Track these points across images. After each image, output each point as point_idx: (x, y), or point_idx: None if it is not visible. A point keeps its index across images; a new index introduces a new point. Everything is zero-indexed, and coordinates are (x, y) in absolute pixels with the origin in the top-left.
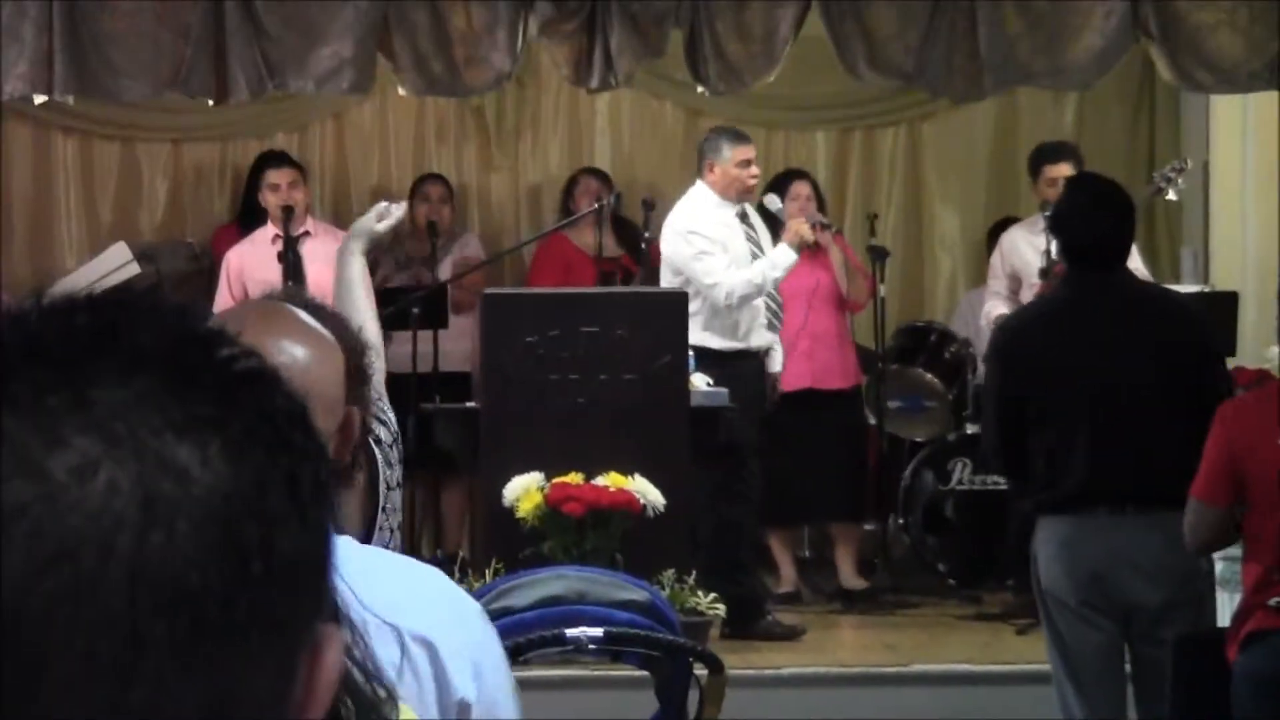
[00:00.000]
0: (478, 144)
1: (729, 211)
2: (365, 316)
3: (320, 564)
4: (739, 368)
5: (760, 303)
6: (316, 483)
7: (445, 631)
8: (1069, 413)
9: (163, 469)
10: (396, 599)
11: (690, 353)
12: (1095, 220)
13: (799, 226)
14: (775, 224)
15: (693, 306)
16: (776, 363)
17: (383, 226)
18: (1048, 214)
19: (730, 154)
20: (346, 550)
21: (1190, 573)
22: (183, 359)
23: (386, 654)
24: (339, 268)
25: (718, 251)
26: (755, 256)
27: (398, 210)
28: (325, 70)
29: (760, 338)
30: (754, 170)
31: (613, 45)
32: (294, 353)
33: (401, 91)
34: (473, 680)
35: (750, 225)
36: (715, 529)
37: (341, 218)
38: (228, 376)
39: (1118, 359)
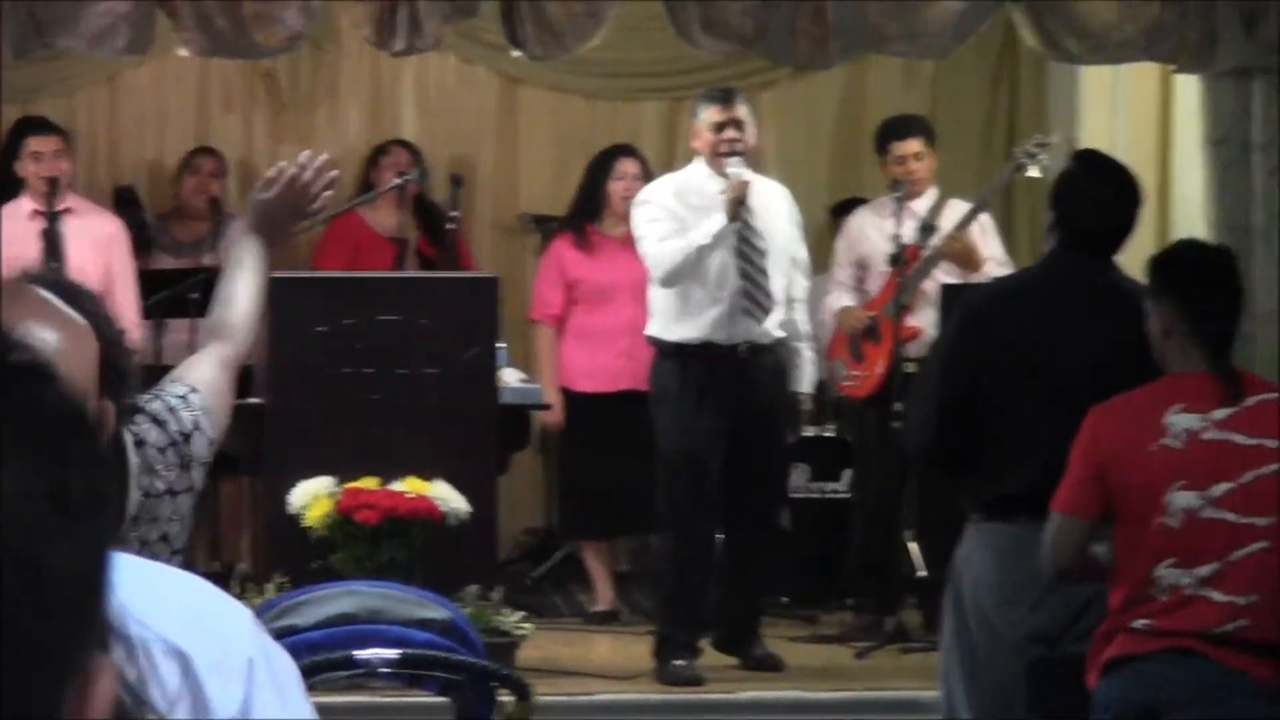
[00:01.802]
0: (269, 113)
1: (717, 185)
2: (237, 302)
3: (93, 586)
4: (700, 364)
5: (733, 285)
6: (92, 495)
7: (203, 644)
8: (1029, 406)
9: None
10: (146, 607)
11: (500, 346)
12: (1113, 206)
13: (734, 185)
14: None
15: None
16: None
17: (270, 193)
18: (897, 195)
19: (703, 116)
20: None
21: None
22: None
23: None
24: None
25: (666, 219)
26: (744, 243)
27: (296, 168)
28: (98, 28)
29: (726, 328)
30: (727, 134)
31: (420, 4)
32: (43, 336)
33: (183, 52)
34: (240, 688)
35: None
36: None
37: (113, 193)
38: None
39: (1093, 355)
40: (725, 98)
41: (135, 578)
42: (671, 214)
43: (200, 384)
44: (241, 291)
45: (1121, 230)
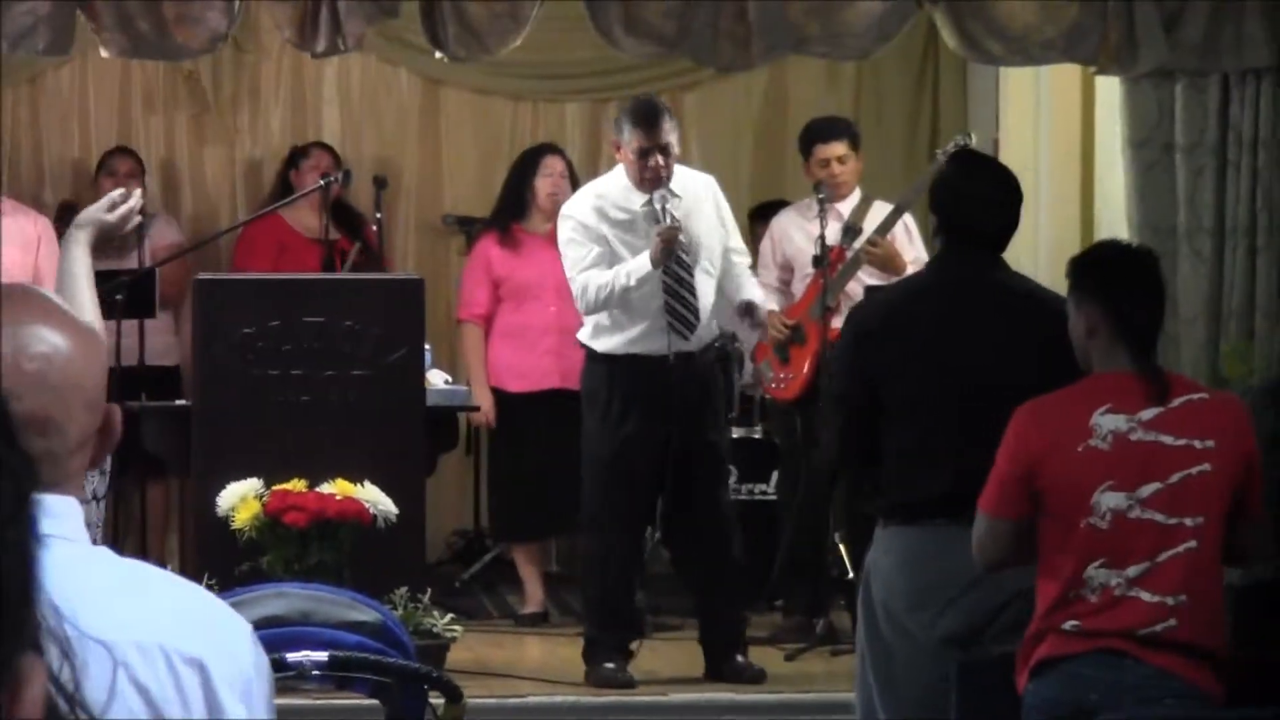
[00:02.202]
0: (190, 114)
1: (638, 199)
2: (86, 311)
3: (20, 590)
4: (629, 370)
5: (659, 302)
6: (16, 500)
7: (217, 656)
8: (935, 409)
9: None
10: (161, 617)
11: (428, 347)
12: (997, 204)
13: (664, 234)
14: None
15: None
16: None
17: (113, 216)
18: (821, 197)
19: (627, 137)
20: (107, 563)
21: None
22: None
23: (104, 674)
24: (61, 258)
25: (586, 241)
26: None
27: (134, 200)
28: (19, 29)
29: (652, 342)
30: (654, 161)
31: (341, 5)
32: (54, 342)
33: (104, 54)
34: (242, 705)
35: (668, 220)
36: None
37: (37, 193)
38: None
39: (991, 355)
40: (650, 120)
41: (153, 588)
42: (593, 234)
43: None
44: (89, 301)
45: (1006, 227)
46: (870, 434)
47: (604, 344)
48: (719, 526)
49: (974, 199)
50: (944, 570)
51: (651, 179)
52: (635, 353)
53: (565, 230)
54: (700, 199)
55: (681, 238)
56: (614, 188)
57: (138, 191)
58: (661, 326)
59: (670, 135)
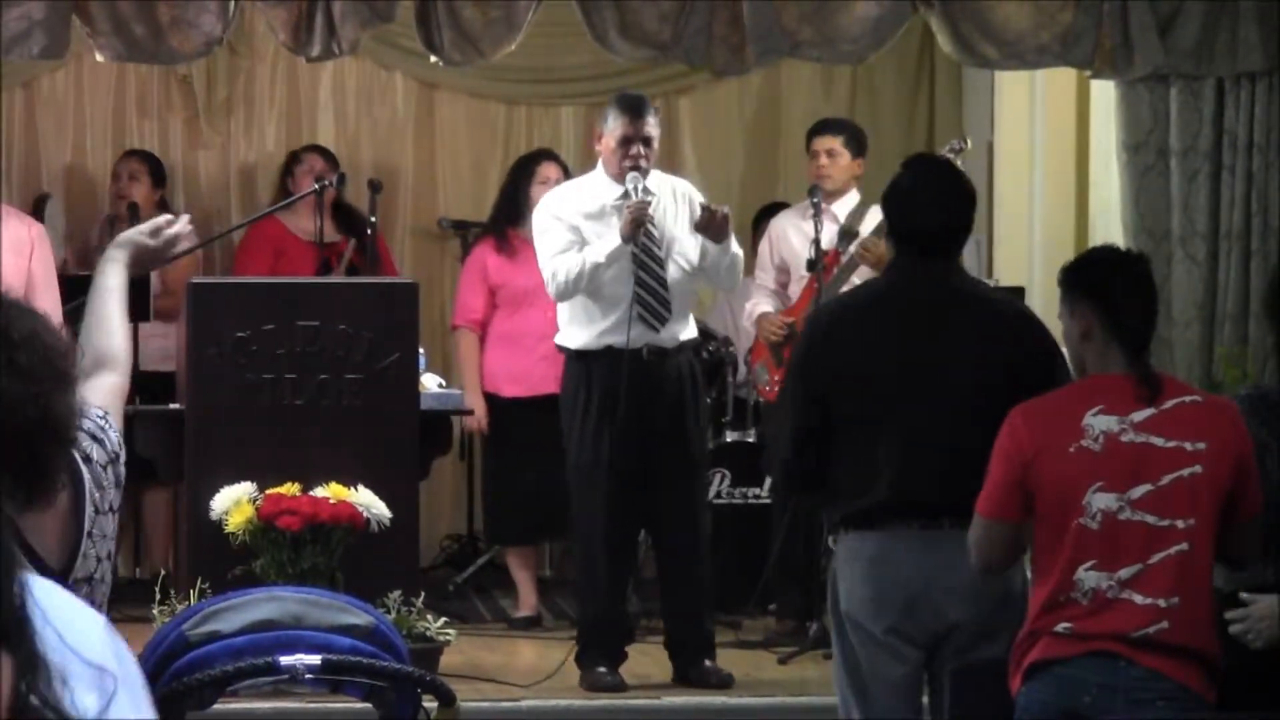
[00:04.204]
0: (184, 118)
1: (614, 192)
2: (115, 329)
3: None
4: (603, 369)
5: (629, 293)
6: None
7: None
8: (884, 415)
9: None
10: (95, 638)
11: (421, 351)
12: (942, 206)
13: (634, 208)
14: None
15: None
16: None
17: (155, 241)
18: (815, 199)
19: (611, 125)
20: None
21: (1008, 593)
22: None
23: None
24: (96, 274)
25: (558, 229)
26: (642, 252)
27: (179, 225)
28: (14, 33)
29: (624, 334)
30: (632, 151)
31: (335, 9)
32: None
33: (99, 58)
34: (95, 706)
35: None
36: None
37: (31, 197)
38: None
39: (945, 359)
40: (635, 111)
41: (79, 606)
42: (565, 224)
43: (109, 409)
44: (119, 319)
45: (954, 230)
46: (817, 454)
47: (577, 338)
48: (688, 529)
49: (918, 203)
50: (900, 574)
51: (630, 167)
52: (609, 344)
53: (539, 222)
54: (675, 199)
55: (652, 228)
56: (588, 183)
57: (184, 218)
58: (632, 317)
59: (653, 129)
